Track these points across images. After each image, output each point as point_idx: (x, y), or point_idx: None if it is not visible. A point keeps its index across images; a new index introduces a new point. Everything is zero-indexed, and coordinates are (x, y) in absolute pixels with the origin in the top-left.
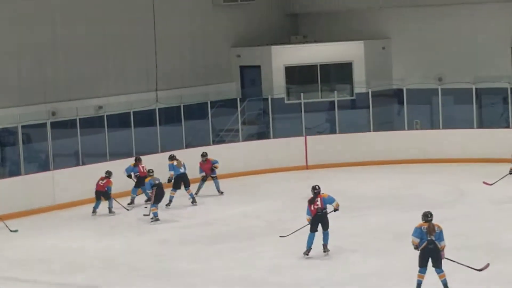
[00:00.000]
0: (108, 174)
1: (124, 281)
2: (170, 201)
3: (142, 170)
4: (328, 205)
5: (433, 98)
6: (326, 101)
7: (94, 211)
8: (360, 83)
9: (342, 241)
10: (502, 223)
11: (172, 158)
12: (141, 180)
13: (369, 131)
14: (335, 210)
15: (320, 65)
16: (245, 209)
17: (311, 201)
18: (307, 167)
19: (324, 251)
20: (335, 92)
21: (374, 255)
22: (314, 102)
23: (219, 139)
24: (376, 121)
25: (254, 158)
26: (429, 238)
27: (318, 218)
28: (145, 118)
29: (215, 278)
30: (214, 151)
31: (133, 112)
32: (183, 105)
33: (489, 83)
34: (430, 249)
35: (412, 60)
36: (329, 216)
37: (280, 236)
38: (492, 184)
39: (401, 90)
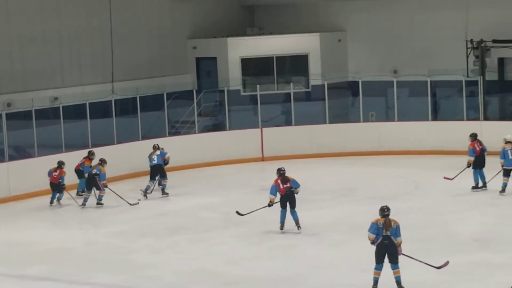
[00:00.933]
0: (59, 164)
1: (81, 274)
2: (146, 190)
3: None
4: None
5: (388, 90)
6: (282, 93)
7: (52, 202)
8: (316, 75)
9: (299, 233)
10: (457, 215)
11: (153, 147)
12: (79, 172)
13: (325, 123)
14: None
15: (276, 57)
16: (202, 201)
17: (284, 181)
18: (263, 158)
19: (298, 227)
20: (291, 84)
21: (330, 247)
22: (270, 94)
23: (175, 131)
24: (331, 113)
25: (210, 150)
26: (384, 234)
27: (287, 197)
28: (101, 110)
29: (172, 270)
30: (170, 143)
31: (89, 103)
32: (139, 97)
33: (443, 75)
34: (385, 244)
35: (368, 52)
36: None
37: (238, 213)
38: (452, 179)
39: (356, 83)
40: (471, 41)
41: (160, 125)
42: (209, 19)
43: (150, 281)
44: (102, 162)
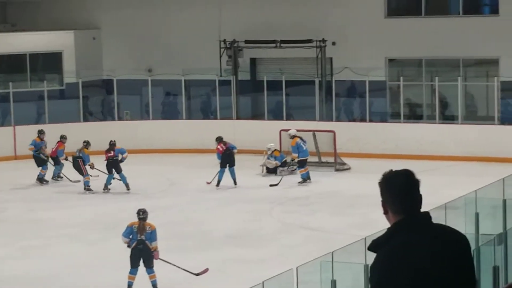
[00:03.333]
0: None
1: None
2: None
3: None
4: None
5: (143, 89)
6: (35, 91)
7: None
8: (70, 73)
9: (53, 233)
10: (211, 212)
11: None
12: None
13: (79, 121)
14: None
15: (29, 54)
16: None
17: (108, 150)
18: (15, 157)
19: (128, 189)
20: (45, 82)
21: (85, 246)
22: (23, 92)
23: None
24: (86, 111)
25: None
26: (139, 238)
27: (110, 164)
28: None
29: None
30: None
31: None
32: None
33: (197, 75)
34: (139, 249)
35: (123, 50)
36: None
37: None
38: (210, 183)
39: (111, 81)
40: (224, 41)
41: None
42: None
43: None
44: (87, 144)
